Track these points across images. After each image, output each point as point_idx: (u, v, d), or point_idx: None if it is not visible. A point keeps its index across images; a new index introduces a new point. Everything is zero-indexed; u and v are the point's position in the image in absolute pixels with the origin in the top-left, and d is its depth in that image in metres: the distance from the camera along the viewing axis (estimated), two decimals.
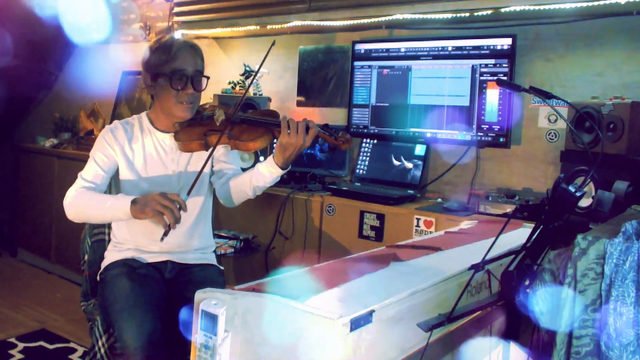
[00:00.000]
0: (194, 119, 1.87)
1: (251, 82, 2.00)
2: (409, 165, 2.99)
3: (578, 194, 1.20)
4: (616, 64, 2.53)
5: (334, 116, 3.46)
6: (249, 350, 1.11)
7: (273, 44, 1.85)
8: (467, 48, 2.81)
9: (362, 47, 3.17)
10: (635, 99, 2.21)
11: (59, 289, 3.85)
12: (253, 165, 2.08)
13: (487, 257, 1.24)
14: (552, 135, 2.70)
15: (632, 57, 2.49)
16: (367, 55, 3.15)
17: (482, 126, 2.76)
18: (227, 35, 3.79)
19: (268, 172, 1.77)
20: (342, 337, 1.01)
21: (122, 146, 1.85)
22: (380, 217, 2.64)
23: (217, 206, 2.04)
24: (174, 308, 1.75)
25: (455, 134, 2.84)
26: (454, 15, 2.73)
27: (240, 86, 3.52)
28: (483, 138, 2.76)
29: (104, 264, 1.90)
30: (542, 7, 2.48)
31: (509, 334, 1.35)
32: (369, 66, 3.14)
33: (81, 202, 1.74)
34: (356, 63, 3.18)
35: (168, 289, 1.83)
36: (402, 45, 3.03)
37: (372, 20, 3.00)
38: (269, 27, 3.42)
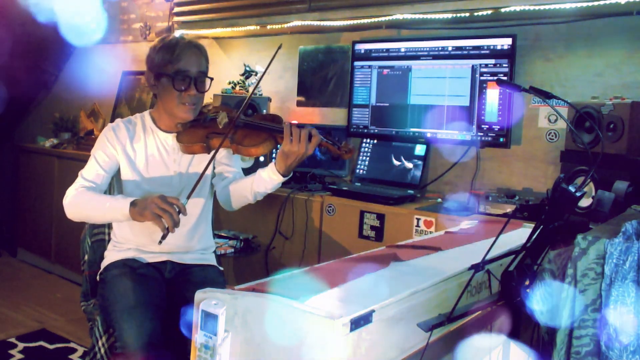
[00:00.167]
0: (196, 120, 1.86)
1: (255, 88, 1.97)
2: (409, 165, 2.99)
3: (578, 194, 1.20)
4: (616, 64, 2.53)
5: (334, 116, 3.46)
6: (249, 350, 1.11)
7: (280, 47, 1.83)
8: (467, 48, 2.81)
9: (362, 47, 3.17)
10: (635, 99, 2.21)
11: (59, 289, 3.85)
12: (253, 166, 2.07)
13: (487, 257, 1.24)
14: (552, 135, 2.70)
15: (632, 57, 2.49)
16: (367, 55, 3.15)
17: (482, 126, 2.76)
18: (227, 35, 3.79)
19: (269, 178, 1.76)
20: (342, 337, 1.01)
21: (124, 145, 1.85)
22: (380, 217, 2.64)
23: (217, 206, 2.04)
24: (174, 308, 1.75)
25: (455, 134, 2.84)
26: (454, 15, 2.73)
27: (240, 86, 3.52)
28: (483, 138, 2.76)
29: (103, 263, 1.90)
30: (542, 7, 2.48)
31: (509, 334, 1.35)
32: (369, 66, 3.14)
33: (81, 202, 1.74)
34: (356, 63, 3.18)
35: (168, 289, 1.83)
36: (402, 45, 3.03)
37: (372, 20, 3.00)
38: (269, 27, 3.42)
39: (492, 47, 2.74)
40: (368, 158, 3.14)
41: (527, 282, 1.23)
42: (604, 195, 1.83)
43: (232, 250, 2.84)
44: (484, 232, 1.91)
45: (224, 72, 3.79)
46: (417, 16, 2.84)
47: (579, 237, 1.16)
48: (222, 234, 2.93)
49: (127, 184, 1.86)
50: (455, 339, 1.37)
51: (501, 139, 2.71)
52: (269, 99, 3.38)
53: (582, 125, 2.28)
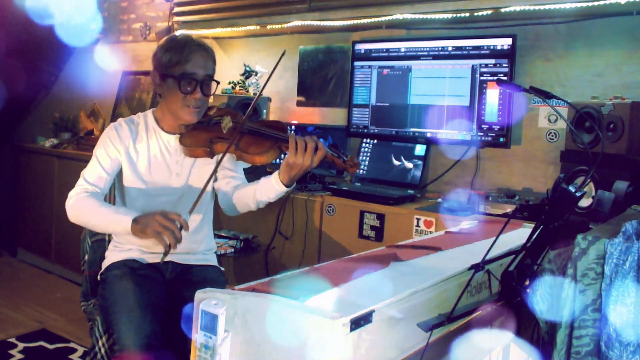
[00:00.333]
0: (200, 123, 1.84)
1: (259, 96, 1.93)
2: (409, 165, 2.99)
3: (578, 194, 1.20)
4: (616, 64, 2.53)
5: (334, 116, 3.46)
6: (249, 350, 1.11)
7: (283, 54, 1.81)
8: (467, 48, 2.81)
9: (362, 47, 3.17)
10: (635, 99, 2.21)
11: (59, 289, 3.85)
12: (255, 169, 2.05)
13: (487, 257, 1.24)
14: (552, 135, 2.70)
15: (632, 57, 2.49)
16: (367, 55, 3.15)
17: (482, 126, 2.76)
18: (227, 35, 3.79)
19: (272, 188, 1.75)
20: (342, 337, 1.01)
21: (127, 147, 1.83)
22: (380, 217, 2.64)
23: (217, 206, 2.04)
24: (174, 308, 1.75)
25: (455, 134, 2.84)
26: (454, 15, 2.73)
27: (240, 86, 3.52)
28: (483, 138, 2.76)
29: (104, 263, 1.89)
30: (542, 7, 2.48)
31: (508, 334, 1.35)
32: (369, 66, 3.14)
33: (83, 209, 1.73)
34: (356, 63, 3.18)
35: (168, 289, 1.83)
36: (402, 45, 3.03)
37: (372, 20, 3.01)
38: (269, 27, 3.42)
39: (492, 47, 2.74)
40: (368, 158, 3.14)
41: (527, 282, 1.23)
42: (604, 195, 1.83)
43: (232, 250, 2.84)
44: (484, 232, 1.91)
45: (224, 72, 3.79)
46: (417, 16, 2.84)
47: (579, 237, 1.16)
48: (222, 234, 2.93)
49: (129, 185, 1.84)
50: (455, 339, 1.37)
51: (501, 139, 2.71)
52: (269, 99, 3.38)
53: (582, 125, 2.28)
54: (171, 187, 1.86)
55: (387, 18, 2.95)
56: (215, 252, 2.06)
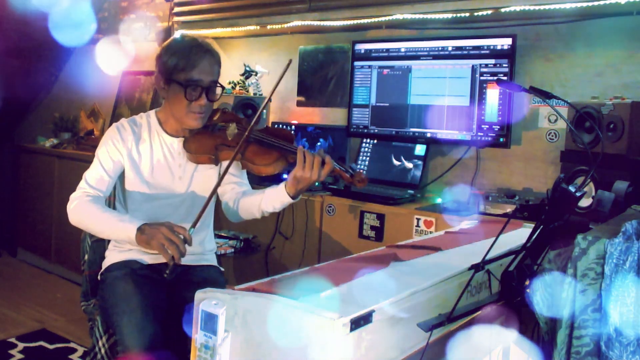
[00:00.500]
0: (205, 128, 1.82)
1: (264, 106, 1.89)
2: (409, 165, 2.99)
3: (578, 194, 1.20)
4: (616, 64, 2.53)
5: (334, 116, 3.46)
6: (249, 350, 1.11)
7: (289, 64, 1.78)
8: (467, 48, 2.81)
9: (362, 47, 3.17)
10: (635, 99, 2.21)
11: (59, 289, 3.85)
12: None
13: (487, 257, 1.24)
14: (552, 135, 2.70)
15: (632, 57, 2.49)
16: (367, 55, 3.15)
17: (482, 126, 2.76)
18: (227, 35, 3.79)
19: (278, 199, 1.74)
20: (342, 337, 1.01)
21: (130, 149, 1.81)
22: (380, 217, 2.64)
23: (217, 206, 2.04)
24: (175, 308, 1.75)
25: (455, 134, 2.84)
26: (454, 15, 2.73)
27: (240, 86, 3.52)
28: (483, 138, 2.76)
29: (105, 263, 1.89)
30: (542, 7, 2.48)
31: (508, 334, 1.35)
32: (369, 66, 3.14)
33: (86, 214, 1.71)
34: (356, 63, 3.18)
35: (168, 289, 1.83)
36: (402, 45, 3.03)
37: (372, 20, 3.01)
38: (269, 27, 3.42)
39: (492, 47, 2.74)
40: (368, 158, 3.14)
41: (527, 282, 1.23)
42: (604, 195, 1.83)
43: (232, 250, 2.84)
44: (484, 232, 1.91)
45: (224, 72, 3.76)
46: (417, 16, 2.84)
47: (579, 237, 1.16)
48: (222, 234, 2.93)
49: (131, 188, 1.83)
50: (456, 339, 1.37)
51: (501, 139, 2.71)
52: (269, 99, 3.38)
53: (582, 125, 2.28)
54: (174, 190, 1.84)
55: (387, 18, 2.95)
56: (215, 252, 2.05)
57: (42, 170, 4.20)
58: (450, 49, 2.86)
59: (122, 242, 1.87)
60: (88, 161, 1.85)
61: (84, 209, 1.71)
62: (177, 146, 1.84)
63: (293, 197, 1.73)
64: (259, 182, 2.72)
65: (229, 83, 3.52)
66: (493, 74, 2.73)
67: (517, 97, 2.71)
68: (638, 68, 2.48)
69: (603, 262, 1.13)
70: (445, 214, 2.48)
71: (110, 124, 4.16)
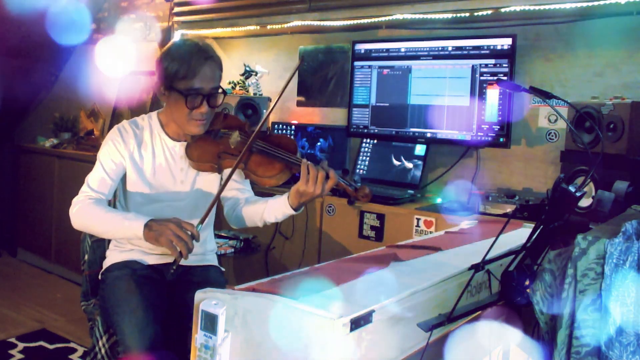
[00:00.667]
0: (207, 133, 1.80)
1: (269, 113, 1.86)
2: (409, 165, 2.99)
3: (578, 194, 1.20)
4: (616, 64, 2.53)
5: (334, 116, 3.46)
6: (249, 350, 1.11)
7: (301, 62, 1.76)
8: (467, 48, 2.81)
9: (362, 47, 3.17)
10: (635, 99, 2.21)
11: (59, 289, 3.85)
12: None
13: (487, 257, 1.24)
14: (552, 135, 2.70)
15: (632, 57, 2.49)
16: (367, 55, 3.15)
17: (482, 126, 2.76)
18: (227, 35, 3.79)
19: (281, 211, 1.74)
20: (342, 337, 1.01)
21: (132, 153, 1.80)
22: (380, 217, 2.64)
23: (218, 207, 2.04)
24: (175, 308, 1.75)
25: (455, 134, 2.84)
26: (454, 15, 2.73)
27: (240, 86, 3.52)
28: (483, 138, 2.76)
29: (105, 263, 1.89)
30: (542, 7, 2.48)
31: (508, 334, 1.35)
32: (369, 66, 3.14)
33: (89, 216, 1.70)
34: (356, 63, 3.18)
35: (168, 290, 1.83)
36: (402, 45, 3.03)
37: (372, 20, 3.01)
38: (269, 27, 3.42)
39: (492, 47, 2.74)
40: (368, 158, 3.14)
41: (527, 282, 1.23)
42: (604, 195, 1.83)
43: (232, 250, 2.84)
44: (484, 232, 1.91)
45: (224, 72, 3.78)
46: (417, 16, 2.84)
47: (579, 237, 1.16)
48: (222, 234, 2.94)
49: (133, 191, 1.82)
50: (456, 339, 1.37)
51: (501, 139, 2.71)
52: (269, 99, 3.38)
53: (582, 125, 2.28)
54: (176, 194, 1.83)
55: (387, 18, 2.95)
56: (216, 252, 2.05)
57: (42, 170, 4.20)
58: (450, 49, 2.86)
59: (124, 242, 1.87)
60: (88, 161, 1.84)
61: (86, 212, 1.70)
62: (179, 150, 1.83)
63: (295, 210, 1.73)
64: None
65: (229, 83, 3.52)
66: (493, 74, 2.73)
67: (517, 97, 2.71)
68: (638, 68, 2.48)
69: (603, 262, 1.13)
70: (445, 214, 2.48)
71: (110, 124, 4.17)
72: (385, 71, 3.08)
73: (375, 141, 3.15)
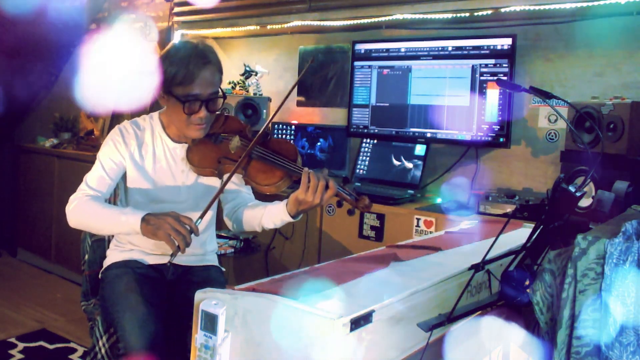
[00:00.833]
0: (208, 136, 1.79)
1: (271, 119, 1.85)
2: (409, 165, 2.99)
3: (578, 194, 1.20)
4: (616, 64, 2.53)
5: (334, 116, 3.46)
6: (249, 350, 1.11)
7: (311, 61, 1.74)
8: (467, 48, 2.81)
9: (362, 47, 3.17)
10: (635, 99, 2.21)
11: (59, 289, 3.85)
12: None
13: (487, 257, 1.24)
14: (552, 135, 2.70)
15: (632, 57, 2.49)
16: (367, 55, 3.15)
17: (482, 126, 2.76)
18: (227, 35, 3.79)
19: (279, 218, 1.73)
20: (342, 337, 1.01)
21: (132, 153, 1.79)
22: (380, 217, 2.64)
23: (218, 207, 2.04)
24: (175, 308, 1.75)
25: (455, 134, 2.84)
26: (454, 15, 2.73)
27: (240, 86, 3.52)
28: (483, 138, 2.76)
29: (105, 262, 1.89)
30: (542, 7, 2.48)
31: (508, 334, 1.35)
32: (369, 66, 3.14)
33: (86, 212, 1.69)
34: (356, 63, 3.18)
35: (169, 290, 1.83)
36: (402, 45, 3.03)
37: (372, 20, 3.01)
38: (269, 27, 3.42)
39: (492, 47, 2.74)
40: (368, 158, 3.15)
41: (527, 282, 1.23)
42: (604, 195, 1.83)
43: (232, 250, 2.84)
44: (484, 232, 1.91)
45: (224, 72, 3.78)
46: (417, 16, 2.84)
47: (579, 237, 1.16)
48: (222, 234, 2.94)
49: (134, 193, 1.82)
50: (456, 339, 1.37)
51: (501, 139, 2.71)
52: (269, 99, 3.38)
53: (582, 125, 2.28)
54: (176, 195, 1.83)
55: (387, 18, 2.95)
56: (216, 252, 2.05)
57: (42, 170, 4.20)
58: (450, 49, 2.86)
59: (125, 242, 1.87)
60: (88, 161, 1.84)
61: (83, 208, 1.69)
62: (180, 152, 1.82)
63: (293, 217, 1.71)
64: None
65: (229, 83, 3.52)
66: (493, 74, 2.73)
67: (517, 97, 2.71)
68: (638, 68, 2.48)
69: (603, 262, 1.13)
70: (445, 214, 2.48)
71: (110, 124, 4.17)
72: (385, 71, 3.08)
73: (375, 141, 3.15)
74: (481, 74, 2.77)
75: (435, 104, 2.91)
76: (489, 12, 2.61)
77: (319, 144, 3.33)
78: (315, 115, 3.54)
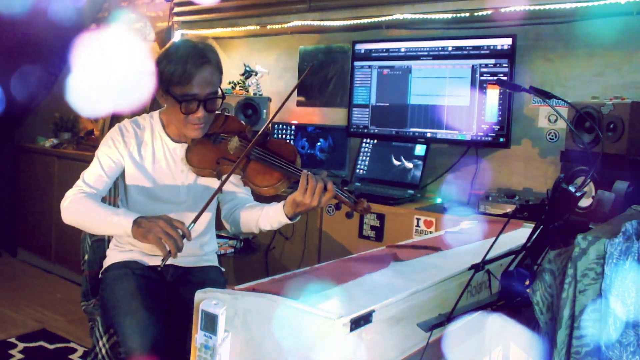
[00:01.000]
0: (207, 136, 1.79)
1: (270, 120, 1.83)
2: (409, 165, 2.99)
3: (578, 194, 1.20)
4: (616, 64, 2.53)
5: (334, 116, 3.46)
6: (249, 350, 1.11)
7: (312, 66, 1.73)
8: (467, 48, 2.81)
9: (362, 47, 3.17)
10: (635, 99, 2.21)
11: (59, 289, 3.85)
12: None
13: (487, 257, 1.24)
14: (552, 135, 2.70)
15: (632, 57, 2.49)
16: (367, 55, 3.15)
17: (482, 126, 2.76)
18: (227, 35, 3.79)
19: (276, 219, 1.73)
20: (342, 337, 1.01)
21: (131, 152, 1.79)
22: (380, 217, 2.64)
23: (217, 207, 2.04)
24: (175, 308, 1.75)
25: (455, 134, 2.84)
26: (454, 15, 2.73)
27: (240, 86, 3.52)
28: (483, 138, 2.76)
29: (105, 262, 1.88)
30: (542, 7, 2.48)
31: (508, 334, 1.35)
32: (369, 66, 3.14)
33: (80, 209, 1.67)
34: (356, 63, 3.18)
35: (169, 290, 1.83)
36: (402, 45, 3.03)
37: (372, 20, 3.01)
38: (269, 27, 3.42)
39: (492, 47, 2.74)
40: (368, 158, 3.15)
41: (527, 282, 1.23)
42: (604, 195, 1.83)
43: (232, 250, 2.84)
44: (484, 232, 1.91)
45: (224, 72, 3.78)
46: (417, 16, 2.84)
47: (579, 237, 1.16)
48: (222, 234, 2.93)
49: (132, 192, 1.82)
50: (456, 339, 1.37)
51: (501, 139, 2.71)
52: (269, 99, 3.38)
53: (582, 125, 2.28)
54: (176, 195, 1.83)
55: (387, 18, 2.95)
56: (216, 252, 2.05)
57: (42, 170, 4.20)
58: (450, 49, 2.86)
59: (124, 242, 1.87)
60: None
61: (77, 205, 1.68)
62: (179, 152, 1.82)
63: (291, 219, 1.70)
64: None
65: (229, 83, 3.52)
66: (493, 74, 2.73)
67: (517, 97, 2.71)
68: (638, 68, 2.48)
69: (603, 262, 1.13)
70: (445, 214, 2.48)
71: (110, 124, 4.17)
72: (385, 71, 3.08)
73: (375, 141, 3.15)
74: (481, 74, 2.77)
75: (435, 104, 2.91)
76: (489, 12, 2.61)
77: (319, 144, 3.33)
78: (315, 115, 3.54)
